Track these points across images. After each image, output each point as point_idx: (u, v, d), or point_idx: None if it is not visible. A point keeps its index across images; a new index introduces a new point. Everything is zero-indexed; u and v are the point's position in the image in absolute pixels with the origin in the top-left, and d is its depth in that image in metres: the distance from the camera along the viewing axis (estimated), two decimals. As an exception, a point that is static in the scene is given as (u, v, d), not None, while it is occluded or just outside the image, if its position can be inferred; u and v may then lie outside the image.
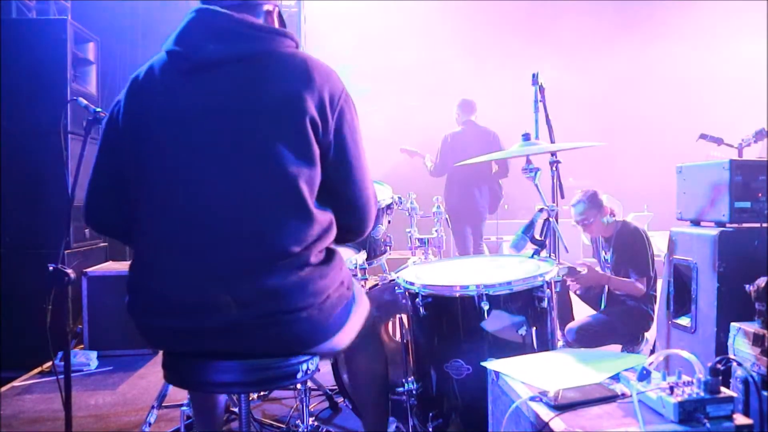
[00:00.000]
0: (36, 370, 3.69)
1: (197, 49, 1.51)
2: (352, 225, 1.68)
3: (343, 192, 1.62)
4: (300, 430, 2.35)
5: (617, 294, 3.36)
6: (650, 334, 3.31)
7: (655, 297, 3.28)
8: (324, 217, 1.56)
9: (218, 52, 1.50)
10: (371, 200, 1.68)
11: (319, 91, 1.51)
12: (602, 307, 3.47)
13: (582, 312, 3.75)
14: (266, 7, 1.62)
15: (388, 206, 2.90)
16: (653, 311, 3.27)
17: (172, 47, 1.55)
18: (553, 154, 2.61)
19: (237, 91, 1.49)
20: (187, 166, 1.49)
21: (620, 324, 3.26)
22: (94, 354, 3.83)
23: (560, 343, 3.50)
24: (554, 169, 2.60)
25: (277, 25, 1.66)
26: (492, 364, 1.70)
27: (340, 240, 1.66)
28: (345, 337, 1.68)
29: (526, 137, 2.43)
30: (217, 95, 1.50)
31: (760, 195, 2.13)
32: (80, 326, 3.99)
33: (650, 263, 3.27)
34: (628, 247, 3.30)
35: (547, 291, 2.04)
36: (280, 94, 1.48)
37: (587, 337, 3.17)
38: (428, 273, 2.32)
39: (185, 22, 1.57)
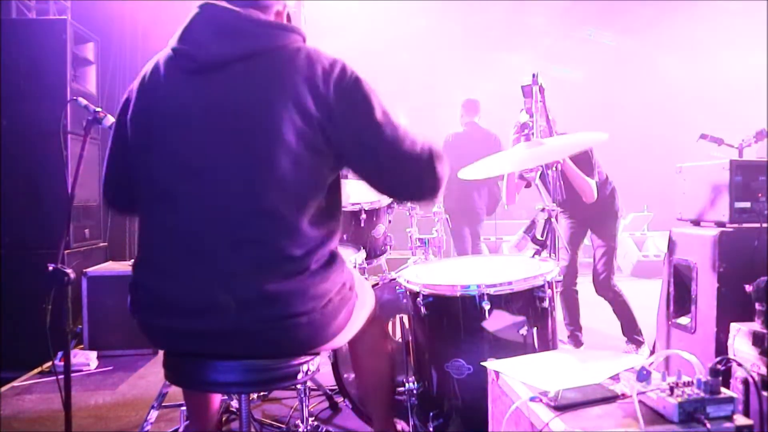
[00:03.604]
0: (36, 370, 3.69)
1: (202, 49, 1.49)
2: (411, 195, 1.70)
3: (385, 176, 1.57)
4: (300, 430, 2.35)
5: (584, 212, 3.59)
6: (649, 336, 3.33)
7: (616, 194, 3.65)
8: (328, 221, 1.55)
9: (223, 53, 1.48)
10: (418, 160, 1.54)
11: (324, 89, 1.47)
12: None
13: (585, 313, 3.76)
14: (276, 7, 1.60)
15: (389, 206, 2.91)
16: (619, 202, 3.68)
17: (177, 45, 1.54)
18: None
19: (242, 93, 1.47)
20: (190, 167, 1.48)
21: (605, 226, 3.62)
22: (93, 354, 3.83)
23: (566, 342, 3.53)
24: (554, 168, 2.60)
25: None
26: (492, 364, 1.70)
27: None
28: (347, 336, 1.68)
29: (528, 137, 2.42)
30: (222, 97, 1.48)
31: (760, 195, 2.14)
32: (80, 326, 3.98)
33: (595, 165, 3.41)
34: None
35: (548, 291, 2.04)
36: (285, 95, 1.45)
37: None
38: (429, 272, 2.32)
39: (190, 18, 1.55)
